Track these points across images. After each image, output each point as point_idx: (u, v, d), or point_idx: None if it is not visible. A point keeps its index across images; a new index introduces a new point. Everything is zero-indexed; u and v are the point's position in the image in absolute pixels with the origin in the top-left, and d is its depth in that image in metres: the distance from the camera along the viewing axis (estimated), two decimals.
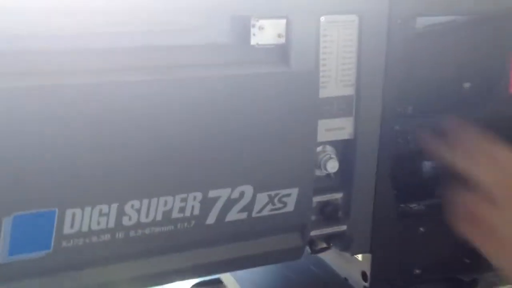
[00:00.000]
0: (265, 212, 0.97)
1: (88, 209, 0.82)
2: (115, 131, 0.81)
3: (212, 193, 0.91)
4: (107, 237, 0.85)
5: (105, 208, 0.83)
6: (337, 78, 0.95)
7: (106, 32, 0.78)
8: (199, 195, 0.89)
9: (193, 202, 0.89)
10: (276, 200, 0.97)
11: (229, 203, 0.93)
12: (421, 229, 1.12)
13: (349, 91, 0.96)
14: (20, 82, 0.74)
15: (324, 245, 1.08)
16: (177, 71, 0.84)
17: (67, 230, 0.82)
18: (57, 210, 0.80)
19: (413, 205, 1.15)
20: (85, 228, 0.83)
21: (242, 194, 0.93)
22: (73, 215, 0.81)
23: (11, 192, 0.77)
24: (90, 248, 0.84)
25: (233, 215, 0.94)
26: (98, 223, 0.83)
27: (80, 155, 0.79)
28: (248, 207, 0.94)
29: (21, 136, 0.76)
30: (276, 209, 0.97)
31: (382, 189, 1.06)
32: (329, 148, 1.02)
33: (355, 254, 1.11)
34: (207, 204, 0.91)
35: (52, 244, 0.82)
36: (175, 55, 0.84)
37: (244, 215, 0.95)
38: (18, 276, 0.81)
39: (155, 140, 0.84)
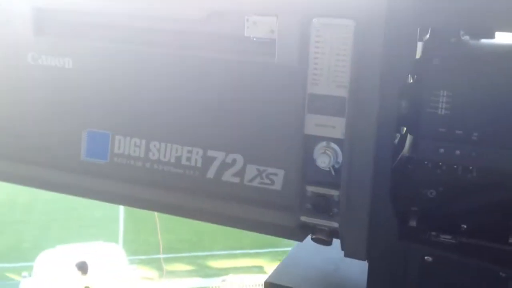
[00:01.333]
0: (255, 183, 1.14)
1: (128, 139, 1.22)
2: (152, 94, 1.19)
3: (210, 153, 1.16)
4: (139, 163, 1.22)
5: (137, 141, 1.21)
6: (329, 78, 1.07)
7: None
8: (200, 151, 1.16)
9: (196, 156, 1.16)
10: (264, 175, 1.13)
11: (224, 165, 1.15)
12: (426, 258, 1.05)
13: (342, 92, 1.06)
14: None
15: (325, 238, 1.14)
16: (187, 51, 1.15)
17: (116, 150, 1.24)
18: (110, 134, 1.23)
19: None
20: (126, 152, 1.23)
21: (234, 161, 1.14)
22: (119, 141, 1.23)
23: (89, 115, 1.25)
24: (130, 168, 1.24)
25: (228, 177, 1.16)
26: (134, 151, 1.22)
27: (127, 104, 1.21)
28: (240, 174, 1.15)
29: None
30: (264, 184, 1.14)
31: (379, 198, 1.06)
32: (333, 146, 1.10)
33: (350, 257, 1.12)
34: (207, 160, 1.17)
35: (108, 156, 1.25)
36: (186, 39, 1.16)
37: (237, 179, 1.15)
38: (91, 173, 1.28)
39: (173, 102, 1.17)
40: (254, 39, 1.09)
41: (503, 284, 1.03)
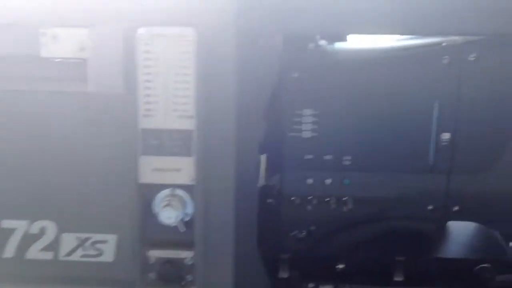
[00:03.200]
0: (76, 257, 0.82)
1: None
2: None
3: (5, 223, 0.81)
4: None
5: None
6: (168, 107, 0.78)
7: None
8: None
9: None
10: (88, 245, 0.81)
11: (29, 238, 0.81)
12: None
13: (187, 124, 0.77)
14: None
15: None
16: None
17: None
18: None
19: None
20: None
21: (42, 231, 0.81)
22: None
23: None
24: None
25: (35, 253, 0.81)
26: None
27: None
28: (53, 247, 0.81)
29: None
30: (90, 256, 0.82)
31: (245, 252, 0.82)
32: (179, 194, 0.82)
33: None
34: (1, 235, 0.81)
35: None
36: None
37: (49, 255, 0.82)
38: None
39: None
40: (56, 60, 0.77)
41: None
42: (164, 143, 0.80)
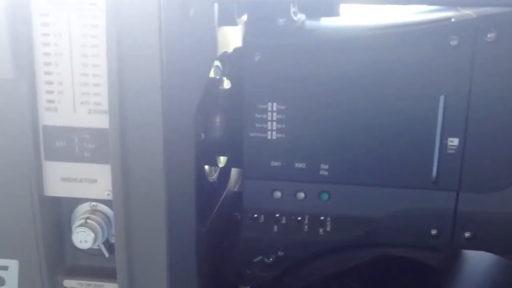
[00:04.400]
0: None
1: None
2: None
3: None
4: None
5: None
6: (75, 98, 0.59)
7: None
8: None
9: None
10: None
11: None
12: None
13: (102, 121, 0.59)
14: None
15: None
16: None
17: None
18: None
19: None
20: None
21: None
22: None
23: None
24: None
25: None
26: None
27: None
28: None
29: None
30: None
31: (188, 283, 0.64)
32: (102, 209, 0.65)
33: None
34: None
35: None
36: None
37: None
38: None
39: None
40: None
41: None
42: (73, 145, 0.62)
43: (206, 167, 0.83)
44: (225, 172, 0.89)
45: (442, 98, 0.68)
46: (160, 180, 0.61)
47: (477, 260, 0.88)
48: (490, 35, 0.66)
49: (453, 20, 0.68)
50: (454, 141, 0.69)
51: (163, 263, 0.64)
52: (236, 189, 0.94)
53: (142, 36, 0.57)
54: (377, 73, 0.69)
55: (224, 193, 0.88)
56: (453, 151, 0.69)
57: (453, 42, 0.67)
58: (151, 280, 0.65)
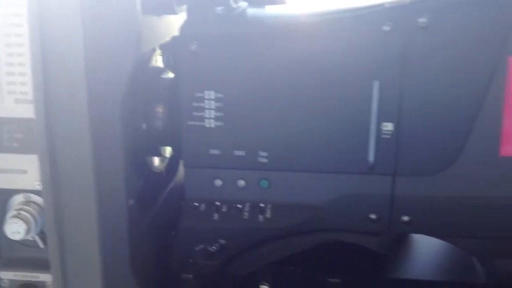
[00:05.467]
0: None
1: None
2: None
3: None
4: None
5: None
6: (2, 87, 0.59)
7: None
8: None
9: None
10: None
11: None
12: None
13: (25, 110, 0.59)
14: None
15: None
16: None
17: None
18: None
19: None
20: None
21: None
22: None
23: None
24: None
25: None
26: None
27: None
28: None
29: None
30: None
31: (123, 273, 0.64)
32: (36, 199, 0.64)
33: None
34: None
35: None
36: None
37: None
38: None
39: None
40: None
41: None
42: (1, 135, 0.61)
43: (155, 158, 0.83)
44: (174, 163, 0.89)
45: (376, 84, 0.68)
46: (89, 169, 0.61)
47: (426, 244, 0.89)
48: (422, 20, 0.67)
49: (386, 5, 0.69)
50: (388, 126, 0.69)
51: (96, 252, 0.64)
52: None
53: (65, 23, 0.57)
54: (313, 60, 0.69)
55: (173, 184, 0.88)
56: (388, 136, 0.69)
57: (386, 28, 0.67)
58: (85, 270, 0.65)
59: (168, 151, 0.84)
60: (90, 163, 0.60)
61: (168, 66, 0.77)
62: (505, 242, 0.73)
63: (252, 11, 0.76)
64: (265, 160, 0.73)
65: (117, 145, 0.64)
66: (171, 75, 0.80)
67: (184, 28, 0.71)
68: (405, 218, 0.72)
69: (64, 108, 0.59)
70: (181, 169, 0.91)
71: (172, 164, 0.88)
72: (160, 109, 0.76)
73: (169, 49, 0.75)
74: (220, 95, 0.71)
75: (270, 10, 0.78)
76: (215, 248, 0.75)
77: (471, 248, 0.74)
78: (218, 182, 0.74)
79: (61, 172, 0.61)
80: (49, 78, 0.58)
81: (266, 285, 0.80)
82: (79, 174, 0.61)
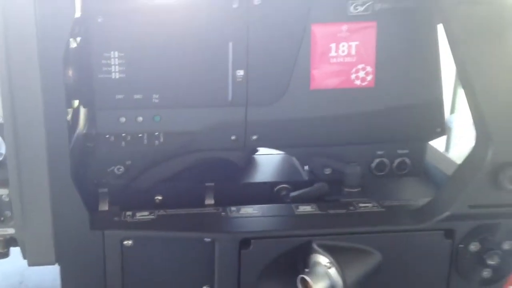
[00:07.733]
0: None
1: None
2: None
3: None
4: None
5: None
6: None
7: None
8: None
9: None
10: None
11: None
12: None
13: None
14: None
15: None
16: None
17: None
18: None
19: None
20: None
21: None
22: None
23: None
24: None
25: None
26: None
27: None
28: None
29: None
30: None
31: (62, 188, 0.88)
32: None
33: (35, 265, 0.92)
34: None
35: None
36: None
37: None
38: None
39: None
40: None
41: (209, 249, 0.98)
42: None
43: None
44: (76, 115, 1.13)
45: (230, 44, 1.01)
46: (38, 107, 0.85)
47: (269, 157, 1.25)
48: (257, 1, 1.01)
49: None
50: (240, 72, 1.03)
51: (44, 171, 0.88)
52: (85, 131, 1.18)
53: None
54: (187, 27, 1.00)
55: (76, 133, 1.12)
56: (240, 79, 1.03)
57: (235, 5, 1.00)
58: (36, 183, 0.88)
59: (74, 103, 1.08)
60: (39, 101, 0.85)
61: (78, 36, 1.02)
62: (318, 148, 1.11)
63: None
64: (157, 101, 1.02)
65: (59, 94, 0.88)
66: (73, 44, 1.05)
67: (91, 4, 0.97)
68: (254, 137, 1.06)
69: (20, 57, 0.82)
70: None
71: (75, 115, 1.13)
72: (69, 72, 1.00)
73: (79, 22, 1.00)
74: (122, 54, 0.99)
75: None
76: (123, 168, 1.03)
77: (296, 153, 1.11)
78: (123, 119, 1.01)
79: (20, 106, 0.84)
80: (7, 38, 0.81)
81: (160, 196, 1.09)
82: (32, 110, 0.85)
